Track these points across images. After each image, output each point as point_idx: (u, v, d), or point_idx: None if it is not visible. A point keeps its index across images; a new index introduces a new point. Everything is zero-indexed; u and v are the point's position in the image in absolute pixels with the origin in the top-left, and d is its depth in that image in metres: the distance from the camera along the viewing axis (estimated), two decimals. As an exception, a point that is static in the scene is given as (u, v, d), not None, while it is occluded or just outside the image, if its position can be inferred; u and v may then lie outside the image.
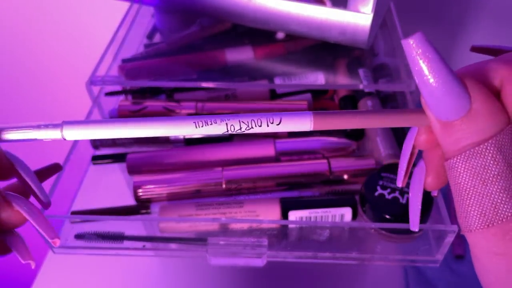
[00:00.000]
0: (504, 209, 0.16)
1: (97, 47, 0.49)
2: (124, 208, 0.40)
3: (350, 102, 0.47)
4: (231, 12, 0.47)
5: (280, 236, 0.38)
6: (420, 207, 0.20)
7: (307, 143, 0.42)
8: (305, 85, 0.47)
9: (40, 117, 0.49)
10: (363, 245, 0.38)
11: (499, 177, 0.16)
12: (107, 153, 0.44)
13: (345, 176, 0.40)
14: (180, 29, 0.55)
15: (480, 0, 0.60)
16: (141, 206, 0.40)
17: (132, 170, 0.41)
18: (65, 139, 0.18)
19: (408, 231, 0.37)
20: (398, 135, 0.43)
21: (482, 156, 0.16)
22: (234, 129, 0.18)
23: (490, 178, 0.16)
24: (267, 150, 0.41)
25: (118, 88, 0.48)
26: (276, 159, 0.41)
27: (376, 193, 0.37)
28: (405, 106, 0.46)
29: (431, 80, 0.16)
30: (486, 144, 0.16)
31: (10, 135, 0.18)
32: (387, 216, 0.36)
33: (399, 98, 0.48)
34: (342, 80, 0.49)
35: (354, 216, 0.38)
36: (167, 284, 0.43)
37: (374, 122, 0.18)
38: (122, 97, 0.48)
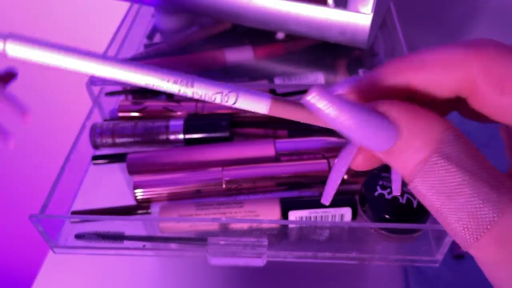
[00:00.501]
0: (483, 215, 0.15)
1: (97, 47, 0.49)
2: (124, 208, 0.40)
3: (350, 102, 0.47)
4: (231, 12, 0.47)
5: (280, 236, 0.38)
6: (338, 182, 0.19)
7: (307, 143, 0.42)
8: (305, 85, 0.47)
9: (40, 117, 0.49)
10: (363, 245, 0.38)
11: (461, 186, 0.15)
12: (107, 153, 0.44)
13: (345, 176, 0.40)
14: (180, 29, 0.55)
15: None
16: (141, 206, 0.40)
17: (132, 170, 0.41)
18: (6, 54, 0.16)
19: (408, 231, 0.37)
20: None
21: (433, 172, 0.15)
22: (186, 94, 0.17)
23: (454, 191, 0.15)
24: (267, 150, 0.41)
25: (118, 88, 0.48)
26: (276, 159, 0.41)
27: (376, 193, 0.37)
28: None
29: (348, 125, 0.16)
30: (431, 159, 0.15)
31: None
32: (387, 216, 0.36)
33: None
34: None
35: (354, 216, 0.38)
36: (167, 284, 0.43)
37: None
38: (122, 97, 0.48)
